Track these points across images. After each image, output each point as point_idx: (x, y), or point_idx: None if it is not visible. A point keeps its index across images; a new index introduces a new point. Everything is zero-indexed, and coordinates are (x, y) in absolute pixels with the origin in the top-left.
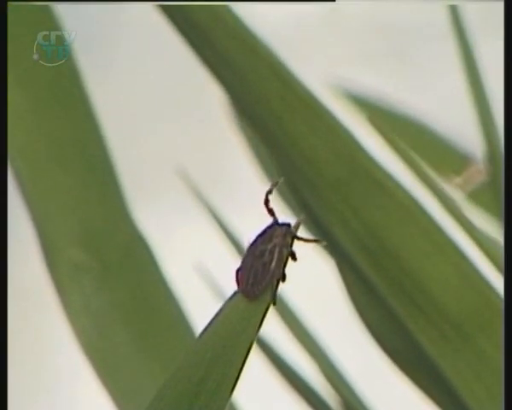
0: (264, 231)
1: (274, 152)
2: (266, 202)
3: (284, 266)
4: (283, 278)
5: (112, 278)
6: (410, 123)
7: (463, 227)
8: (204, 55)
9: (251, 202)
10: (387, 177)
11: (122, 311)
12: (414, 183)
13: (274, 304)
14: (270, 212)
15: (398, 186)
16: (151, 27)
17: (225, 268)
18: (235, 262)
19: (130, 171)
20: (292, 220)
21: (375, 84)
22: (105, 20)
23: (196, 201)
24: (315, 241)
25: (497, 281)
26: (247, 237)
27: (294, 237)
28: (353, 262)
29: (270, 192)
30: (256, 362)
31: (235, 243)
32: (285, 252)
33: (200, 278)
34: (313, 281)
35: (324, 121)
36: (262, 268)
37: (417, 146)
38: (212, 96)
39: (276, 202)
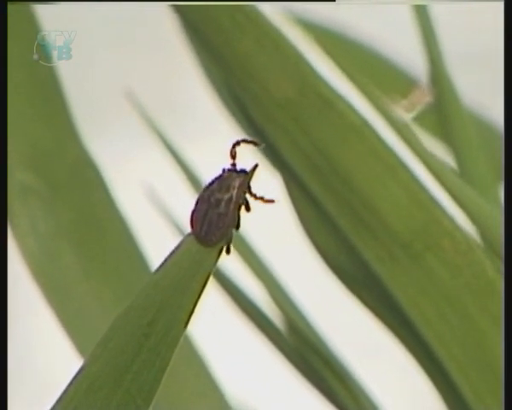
0: (221, 176)
1: (223, 71)
2: (235, 145)
3: (239, 216)
4: (237, 226)
5: (60, 201)
6: (356, 46)
7: (412, 147)
8: None
9: (203, 129)
10: (337, 97)
11: (70, 233)
12: (363, 104)
13: (227, 253)
14: (232, 154)
15: (347, 106)
16: None
17: (176, 195)
18: (186, 188)
19: (81, 98)
20: (248, 166)
21: (323, 9)
22: None
23: (147, 127)
24: (268, 201)
25: (445, 201)
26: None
27: (249, 189)
28: (302, 182)
29: (241, 142)
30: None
31: (186, 169)
32: (241, 203)
33: (150, 204)
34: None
35: (273, 40)
36: (217, 218)
37: (363, 69)
38: (162, 19)
39: (227, 121)
